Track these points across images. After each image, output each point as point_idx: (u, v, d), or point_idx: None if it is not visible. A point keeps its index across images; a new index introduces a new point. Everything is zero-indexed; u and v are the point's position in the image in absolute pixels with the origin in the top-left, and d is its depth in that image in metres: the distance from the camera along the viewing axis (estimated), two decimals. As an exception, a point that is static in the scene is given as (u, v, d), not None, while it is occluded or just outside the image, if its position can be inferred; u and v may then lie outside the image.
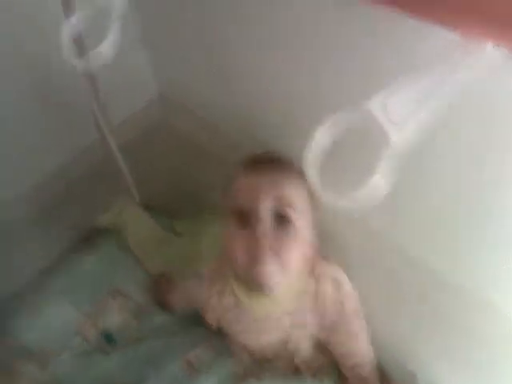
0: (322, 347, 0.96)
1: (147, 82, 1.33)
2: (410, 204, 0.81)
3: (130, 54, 1.21)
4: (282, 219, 0.75)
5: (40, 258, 1.23)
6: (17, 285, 1.19)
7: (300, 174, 0.76)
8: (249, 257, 0.75)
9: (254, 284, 0.78)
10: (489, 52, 0.43)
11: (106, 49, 0.67)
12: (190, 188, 1.27)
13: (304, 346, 0.91)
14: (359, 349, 0.91)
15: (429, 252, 0.83)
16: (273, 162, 0.81)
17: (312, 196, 0.79)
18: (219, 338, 1.00)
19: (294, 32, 0.78)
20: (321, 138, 0.54)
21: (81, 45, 0.78)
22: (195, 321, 1.03)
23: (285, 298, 0.83)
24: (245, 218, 0.76)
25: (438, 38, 0.46)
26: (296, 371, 0.96)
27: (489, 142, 0.63)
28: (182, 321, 1.08)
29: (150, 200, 1.30)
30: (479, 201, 0.70)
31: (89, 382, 1.02)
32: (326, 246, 0.86)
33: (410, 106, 0.49)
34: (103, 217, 1.26)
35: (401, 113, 0.50)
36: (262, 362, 0.98)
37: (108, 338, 1.08)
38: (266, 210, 0.74)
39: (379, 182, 0.49)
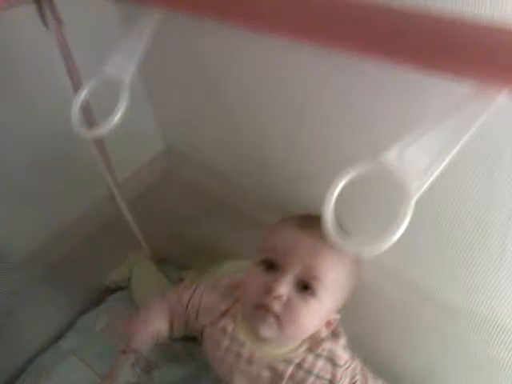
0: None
1: (153, 135, 1.34)
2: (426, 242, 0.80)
3: (135, 107, 1.23)
4: (306, 287, 0.74)
5: (51, 320, 1.22)
6: (28, 351, 1.17)
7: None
8: (258, 297, 0.73)
9: (251, 322, 0.76)
10: (503, 101, 0.43)
11: (115, 117, 0.68)
12: (200, 238, 1.27)
13: None
14: None
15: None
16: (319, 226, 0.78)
17: (353, 276, 0.78)
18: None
19: (304, 88, 0.79)
20: (336, 190, 0.53)
21: (90, 115, 0.80)
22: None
23: (272, 353, 0.80)
24: (273, 266, 0.75)
25: (451, 88, 0.46)
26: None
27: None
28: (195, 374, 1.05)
29: (160, 253, 1.29)
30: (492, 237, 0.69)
31: None
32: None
33: (426, 156, 0.49)
34: (113, 274, 1.25)
35: (417, 163, 0.50)
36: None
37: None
38: (293, 272, 0.73)
39: (398, 231, 0.48)
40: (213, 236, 1.23)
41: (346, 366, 0.81)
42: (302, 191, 0.93)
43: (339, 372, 0.79)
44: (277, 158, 0.97)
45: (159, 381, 1.07)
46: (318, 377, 0.79)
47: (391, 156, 0.50)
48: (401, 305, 0.90)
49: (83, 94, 0.71)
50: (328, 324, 0.78)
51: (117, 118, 0.70)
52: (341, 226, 0.52)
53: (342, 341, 0.82)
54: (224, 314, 0.85)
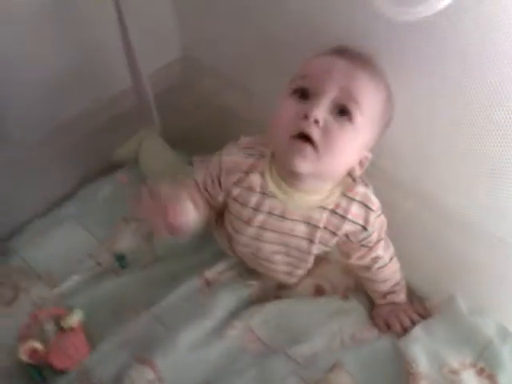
0: (350, 271, 0.93)
1: (173, 39, 1.30)
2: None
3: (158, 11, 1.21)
4: (343, 112, 0.69)
5: (55, 190, 1.20)
6: (31, 212, 1.15)
7: (382, 78, 0.73)
8: (294, 125, 0.68)
9: (288, 155, 0.70)
10: None
11: None
12: (208, 142, 1.24)
13: (309, 262, 0.86)
14: (393, 273, 0.87)
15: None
16: (358, 54, 0.73)
17: (387, 101, 0.74)
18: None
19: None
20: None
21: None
22: (209, 242, 1.00)
23: (307, 200, 0.77)
24: (305, 96, 0.70)
25: None
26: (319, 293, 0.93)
27: None
28: (196, 242, 1.02)
29: (171, 137, 1.26)
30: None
31: (99, 301, 0.96)
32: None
33: None
34: (121, 148, 1.21)
35: None
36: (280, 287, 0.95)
37: (120, 261, 1.03)
38: (329, 95, 0.68)
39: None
40: (223, 140, 1.20)
41: (378, 213, 0.79)
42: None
43: (372, 217, 0.78)
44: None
45: (160, 248, 1.05)
46: (352, 222, 0.78)
47: None
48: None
49: None
50: (361, 163, 0.76)
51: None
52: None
53: (371, 188, 0.80)
54: (249, 170, 0.79)
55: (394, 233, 0.85)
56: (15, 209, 1.12)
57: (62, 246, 1.06)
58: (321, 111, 0.67)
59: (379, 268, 0.86)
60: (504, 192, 0.75)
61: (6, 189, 1.10)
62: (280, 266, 0.88)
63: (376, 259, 0.84)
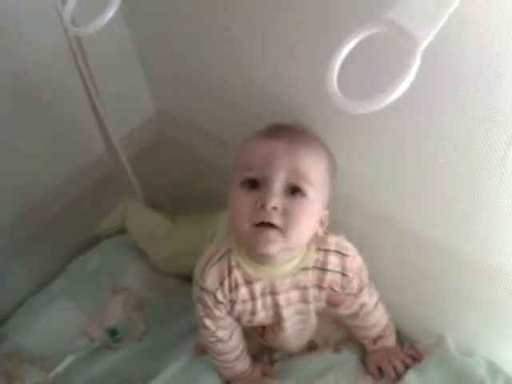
0: (340, 323, 0.94)
1: (144, 99, 1.32)
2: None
3: (128, 71, 1.24)
4: (295, 190, 0.71)
5: (44, 266, 1.21)
6: (21, 293, 1.16)
7: (320, 146, 0.76)
8: (254, 216, 0.70)
9: (254, 243, 0.71)
10: None
11: (106, 16, 0.67)
12: (192, 195, 1.26)
13: (312, 322, 0.88)
14: (380, 318, 0.88)
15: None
16: (292, 130, 0.76)
17: (331, 170, 0.77)
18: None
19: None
20: (343, 51, 0.54)
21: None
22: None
23: (288, 269, 0.79)
24: (255, 185, 0.72)
25: None
26: (313, 349, 0.94)
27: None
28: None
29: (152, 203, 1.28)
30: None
31: (96, 379, 0.97)
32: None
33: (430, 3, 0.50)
34: (105, 220, 1.24)
35: (422, 10, 0.51)
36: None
37: (114, 335, 1.04)
38: (279, 181, 0.70)
39: (408, 78, 0.49)
40: (205, 192, 1.22)
41: (353, 256, 0.81)
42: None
43: (348, 262, 0.79)
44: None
45: (152, 316, 1.06)
46: (332, 271, 0.79)
47: (396, 10, 0.51)
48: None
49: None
50: (321, 223, 0.77)
51: (107, 17, 0.68)
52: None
53: (342, 235, 0.82)
54: (229, 270, 0.79)
55: (378, 273, 0.87)
56: (5, 291, 1.13)
57: (55, 325, 1.07)
58: (276, 198, 0.69)
59: (366, 314, 0.87)
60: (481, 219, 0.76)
61: None
62: (292, 336, 0.89)
63: (362, 306, 0.85)
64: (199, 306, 0.83)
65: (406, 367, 0.87)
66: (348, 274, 0.80)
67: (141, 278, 1.13)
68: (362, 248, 0.83)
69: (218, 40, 0.92)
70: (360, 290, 0.84)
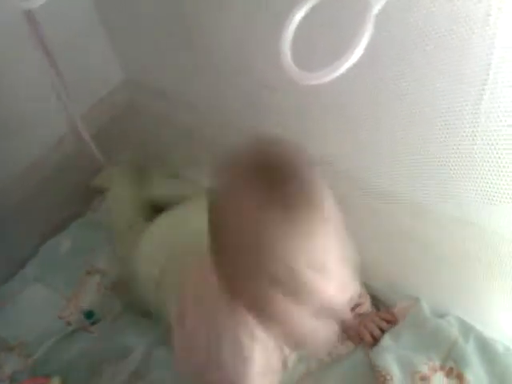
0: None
1: (112, 67, 1.29)
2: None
3: (93, 40, 1.21)
4: None
5: (15, 251, 1.17)
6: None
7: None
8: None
9: None
10: None
11: None
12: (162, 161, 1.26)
13: None
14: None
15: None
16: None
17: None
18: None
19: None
20: (295, 19, 0.52)
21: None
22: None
23: None
24: None
25: None
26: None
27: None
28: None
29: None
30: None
31: (75, 362, 0.97)
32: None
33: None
34: (97, 177, 1.26)
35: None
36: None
37: (89, 317, 1.04)
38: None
39: (361, 44, 0.47)
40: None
41: None
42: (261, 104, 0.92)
43: None
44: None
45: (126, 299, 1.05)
46: None
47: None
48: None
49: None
50: None
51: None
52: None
53: None
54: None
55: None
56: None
57: (31, 311, 1.06)
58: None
59: None
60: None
61: None
62: None
63: None
64: None
65: (382, 331, 0.88)
66: None
67: (113, 257, 1.11)
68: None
69: (185, 4, 0.90)
70: None
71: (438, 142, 0.71)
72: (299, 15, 0.51)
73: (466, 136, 0.67)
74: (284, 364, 0.76)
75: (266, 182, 0.52)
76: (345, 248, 0.57)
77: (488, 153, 0.66)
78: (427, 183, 0.78)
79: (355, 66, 0.48)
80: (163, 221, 0.99)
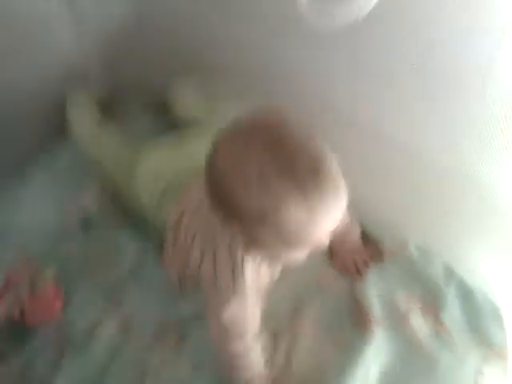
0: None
1: None
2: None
3: None
4: None
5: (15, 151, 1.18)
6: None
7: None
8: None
9: None
10: None
11: None
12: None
13: None
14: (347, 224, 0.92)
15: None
16: (319, 163, 0.60)
17: None
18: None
19: None
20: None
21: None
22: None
23: None
24: None
25: None
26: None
27: None
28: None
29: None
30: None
31: (70, 261, 1.01)
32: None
33: None
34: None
35: None
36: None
37: (87, 223, 1.07)
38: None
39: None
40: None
41: None
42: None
43: None
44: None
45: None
46: None
47: None
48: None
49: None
50: None
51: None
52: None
53: None
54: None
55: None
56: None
57: (31, 210, 1.09)
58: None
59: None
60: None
61: None
62: None
63: None
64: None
65: (367, 266, 0.93)
66: None
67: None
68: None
69: None
70: None
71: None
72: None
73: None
74: (271, 277, 0.81)
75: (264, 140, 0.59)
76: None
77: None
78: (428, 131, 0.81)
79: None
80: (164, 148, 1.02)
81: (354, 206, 0.90)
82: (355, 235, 0.95)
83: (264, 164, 0.57)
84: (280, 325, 0.88)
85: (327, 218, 0.61)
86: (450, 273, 0.88)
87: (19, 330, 0.92)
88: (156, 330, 0.91)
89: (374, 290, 0.88)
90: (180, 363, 0.87)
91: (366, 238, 0.97)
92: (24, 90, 1.17)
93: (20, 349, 0.90)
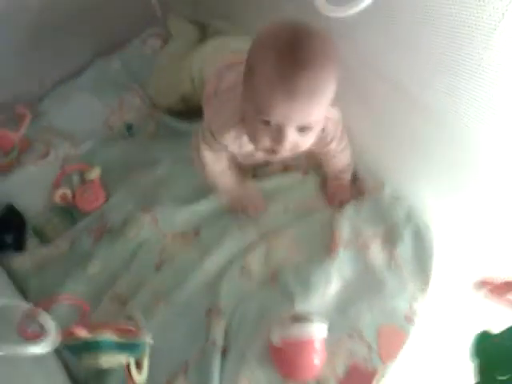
0: (312, 154, 1.14)
1: None
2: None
3: None
4: (304, 129, 0.79)
5: (68, 62, 1.39)
6: (53, 81, 1.36)
7: (332, 74, 0.76)
8: (269, 147, 0.83)
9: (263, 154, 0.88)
10: None
11: None
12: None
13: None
14: (344, 160, 1.10)
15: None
16: (309, 67, 0.73)
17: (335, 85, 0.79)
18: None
19: None
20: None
21: None
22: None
23: None
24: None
25: None
26: (286, 170, 1.19)
27: None
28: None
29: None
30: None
31: (112, 160, 1.24)
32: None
33: None
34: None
35: None
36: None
37: (129, 129, 1.28)
38: (291, 129, 0.78)
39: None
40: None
41: (335, 120, 0.96)
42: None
43: (329, 123, 0.94)
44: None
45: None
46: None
47: None
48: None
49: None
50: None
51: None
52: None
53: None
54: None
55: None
56: (40, 78, 1.34)
57: (81, 112, 1.30)
58: (287, 143, 0.80)
59: (332, 156, 1.08)
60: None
61: (31, 59, 1.29)
62: None
63: (329, 150, 1.04)
64: (204, 146, 1.01)
65: (348, 201, 1.12)
66: (326, 131, 0.96)
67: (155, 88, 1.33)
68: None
69: None
70: (331, 140, 1.01)
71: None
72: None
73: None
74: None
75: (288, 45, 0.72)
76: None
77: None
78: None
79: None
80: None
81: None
82: (348, 175, 1.13)
83: (277, 48, 0.73)
84: (261, 229, 1.11)
85: (288, 97, 0.73)
86: (411, 214, 1.06)
87: (70, 212, 1.19)
88: (179, 228, 1.13)
89: (348, 221, 1.07)
90: (193, 251, 1.10)
91: (354, 175, 1.14)
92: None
93: (69, 229, 1.15)
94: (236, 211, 1.14)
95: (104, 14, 1.33)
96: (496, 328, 0.61)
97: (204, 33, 1.36)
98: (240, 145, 0.95)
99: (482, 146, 0.84)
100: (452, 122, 0.85)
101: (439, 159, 0.96)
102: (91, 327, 0.80)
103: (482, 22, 0.68)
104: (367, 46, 0.93)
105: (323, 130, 0.93)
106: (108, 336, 0.81)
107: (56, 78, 1.36)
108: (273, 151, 0.84)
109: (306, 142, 0.83)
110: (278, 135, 0.79)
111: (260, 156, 1.00)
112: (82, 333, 0.77)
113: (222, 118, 0.93)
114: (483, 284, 0.68)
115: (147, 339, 0.87)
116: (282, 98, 0.74)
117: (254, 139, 0.86)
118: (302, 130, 0.79)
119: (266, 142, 0.82)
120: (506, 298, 0.63)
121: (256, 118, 0.79)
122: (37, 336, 0.65)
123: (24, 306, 0.65)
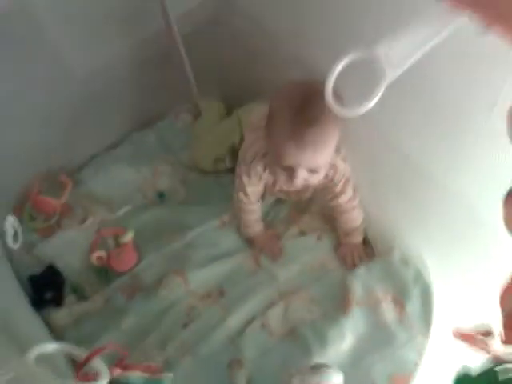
0: (327, 217, 1.28)
1: None
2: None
3: None
4: (312, 171, 1.04)
5: (107, 135, 1.53)
6: (93, 151, 1.51)
7: (333, 132, 0.99)
8: (285, 181, 1.08)
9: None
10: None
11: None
12: (237, 80, 1.48)
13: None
14: (356, 218, 1.22)
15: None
16: (315, 124, 0.95)
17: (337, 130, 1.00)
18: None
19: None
20: (337, 70, 0.76)
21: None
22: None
23: None
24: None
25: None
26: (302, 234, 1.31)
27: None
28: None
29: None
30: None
31: (145, 225, 1.36)
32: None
33: (404, 52, 0.73)
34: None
35: (397, 57, 0.73)
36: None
37: (161, 196, 1.41)
38: (302, 171, 1.02)
39: (372, 100, 0.73)
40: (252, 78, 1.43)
41: (342, 172, 1.13)
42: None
43: (336, 175, 1.13)
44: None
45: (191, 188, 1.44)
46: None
47: (381, 48, 0.74)
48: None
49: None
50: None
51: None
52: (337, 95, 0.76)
53: (342, 153, 1.12)
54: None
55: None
56: (81, 148, 1.48)
57: (118, 181, 1.44)
58: (300, 179, 1.04)
59: (342, 211, 1.21)
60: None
61: (74, 130, 1.41)
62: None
63: (338, 203, 1.19)
64: (238, 181, 1.18)
65: (361, 261, 1.23)
66: (334, 181, 1.14)
67: (188, 158, 1.49)
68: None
69: None
70: (340, 192, 1.17)
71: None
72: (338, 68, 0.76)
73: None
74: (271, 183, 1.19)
75: (300, 104, 0.95)
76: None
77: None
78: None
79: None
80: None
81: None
82: (360, 235, 1.25)
83: (291, 106, 0.96)
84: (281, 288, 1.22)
85: (298, 149, 0.96)
86: (419, 277, 1.16)
87: (106, 272, 1.29)
88: (206, 289, 1.23)
89: (360, 281, 1.18)
90: (218, 309, 1.20)
91: (365, 238, 1.26)
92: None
93: (104, 287, 1.26)
94: (255, 249, 1.29)
95: (142, 91, 1.47)
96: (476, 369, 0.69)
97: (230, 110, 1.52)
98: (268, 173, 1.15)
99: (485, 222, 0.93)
100: (456, 196, 0.98)
101: (442, 228, 1.09)
102: (123, 367, 0.90)
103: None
104: (380, 119, 1.01)
105: (327, 175, 1.11)
106: (138, 374, 0.92)
107: (95, 149, 1.50)
108: (288, 182, 1.07)
109: (315, 179, 1.06)
110: (291, 174, 1.03)
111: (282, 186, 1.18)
112: (118, 373, 0.87)
113: (254, 149, 1.14)
114: (454, 334, 0.77)
115: (170, 376, 0.97)
116: (293, 149, 0.97)
117: (274, 173, 1.10)
118: (311, 171, 1.02)
119: (283, 178, 1.06)
120: (479, 345, 0.71)
121: (274, 160, 1.04)
122: (92, 378, 0.75)
123: (83, 351, 0.76)
